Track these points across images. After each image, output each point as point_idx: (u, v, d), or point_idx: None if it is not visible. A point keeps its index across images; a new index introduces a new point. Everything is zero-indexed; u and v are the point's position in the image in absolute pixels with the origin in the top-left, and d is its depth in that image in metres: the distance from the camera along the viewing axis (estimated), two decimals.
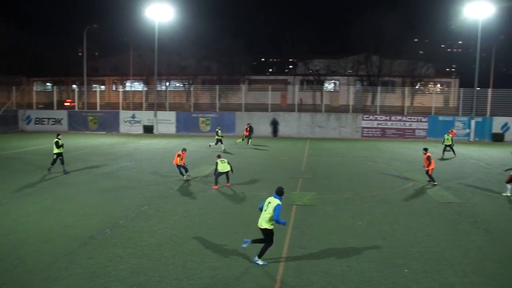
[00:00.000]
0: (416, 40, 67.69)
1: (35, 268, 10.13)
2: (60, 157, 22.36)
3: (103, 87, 69.60)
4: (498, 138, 44.64)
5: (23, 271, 10.01)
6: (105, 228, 13.18)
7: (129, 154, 30.18)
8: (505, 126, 45.39)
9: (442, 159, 29.87)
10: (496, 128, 45.42)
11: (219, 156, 19.85)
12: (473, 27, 48.15)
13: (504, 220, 14.87)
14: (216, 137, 33.69)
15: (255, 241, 10.67)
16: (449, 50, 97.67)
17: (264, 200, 10.74)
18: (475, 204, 17.09)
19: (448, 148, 30.97)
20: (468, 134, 45.45)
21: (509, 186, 18.45)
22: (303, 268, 10.38)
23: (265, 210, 10.43)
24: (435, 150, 31.74)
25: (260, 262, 10.50)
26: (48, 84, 71.69)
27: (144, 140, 41.26)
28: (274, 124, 47.81)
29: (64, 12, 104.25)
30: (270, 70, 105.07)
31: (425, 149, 21.41)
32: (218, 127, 35.09)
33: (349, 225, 13.92)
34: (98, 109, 51.75)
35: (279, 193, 10.51)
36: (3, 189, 18.57)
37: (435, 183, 20.64)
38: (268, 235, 10.46)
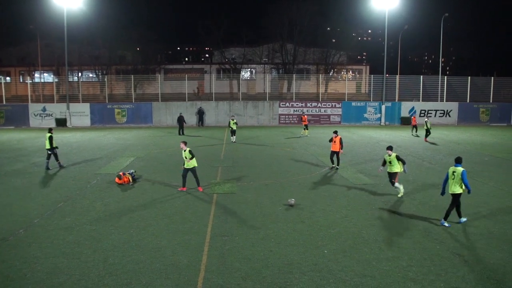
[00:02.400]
0: (328, 29, 69.71)
1: None
2: (51, 152, 21.67)
3: (8, 79, 65.51)
4: (406, 122, 47.22)
5: None
6: (19, 228, 12.45)
7: (41, 149, 28.64)
8: (412, 110, 48.08)
9: (433, 143, 31.51)
10: (404, 112, 48.04)
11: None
12: (381, 17, 50.50)
13: (413, 198, 15.78)
14: (232, 128, 32.57)
15: (447, 215, 12.55)
16: (359, 38, 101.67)
17: (447, 172, 12.61)
18: (387, 184, 17.94)
19: (428, 132, 32.64)
20: (379, 119, 47.67)
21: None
22: (227, 256, 10.41)
23: (452, 179, 12.36)
24: (348, 134, 33.03)
25: (446, 224, 12.49)
26: None
27: (57, 134, 39.23)
28: (200, 113, 47.36)
29: None
30: (186, 59, 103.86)
31: (336, 132, 21.75)
32: (232, 117, 33.99)
33: (269, 211, 14.12)
34: (4, 102, 48.59)
35: (460, 161, 12.51)
36: None
37: (337, 167, 21.43)
38: (458, 197, 12.39)
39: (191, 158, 16.53)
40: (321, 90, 54.30)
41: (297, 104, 48.25)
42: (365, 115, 48.20)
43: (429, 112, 48.13)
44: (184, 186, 16.97)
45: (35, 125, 46.67)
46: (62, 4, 44.77)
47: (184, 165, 16.66)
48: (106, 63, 64.22)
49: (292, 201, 14.79)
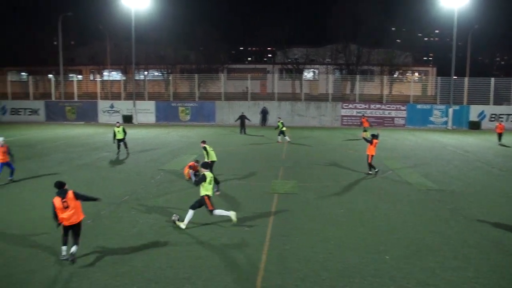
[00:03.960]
0: (393, 28, 68.01)
1: (14, 261, 9.97)
2: (122, 142, 25.55)
3: (80, 77, 68.48)
4: (475, 126, 45.27)
5: (1, 264, 9.85)
6: (87, 219, 12.92)
7: (108, 145, 29.75)
8: (481, 114, 46.07)
9: None
10: (473, 116, 46.08)
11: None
12: (449, 16, 48.70)
13: (481, 206, 15.10)
14: (280, 129, 31.88)
15: None
16: (426, 39, 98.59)
17: None
18: (453, 190, 17.33)
19: None
20: (446, 122, 46.05)
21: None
22: (286, 256, 10.40)
23: None
24: (413, 138, 32.11)
25: None
26: (23, 74, 69.93)
27: None
28: (264, 113, 47.36)
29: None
30: (249, 59, 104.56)
31: (376, 136, 20.64)
32: (279, 119, 34.03)
33: (330, 212, 13.98)
34: (76, 99, 51.00)
35: None
36: None
37: (370, 172, 20.30)
38: None
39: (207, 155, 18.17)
40: (385, 92, 53.08)
41: (360, 106, 47.43)
42: (431, 118, 46.63)
43: (500, 116, 45.90)
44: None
45: (103, 121, 48.53)
46: (130, 5, 46.34)
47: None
48: (171, 62, 65.96)
49: (176, 217, 12.81)
